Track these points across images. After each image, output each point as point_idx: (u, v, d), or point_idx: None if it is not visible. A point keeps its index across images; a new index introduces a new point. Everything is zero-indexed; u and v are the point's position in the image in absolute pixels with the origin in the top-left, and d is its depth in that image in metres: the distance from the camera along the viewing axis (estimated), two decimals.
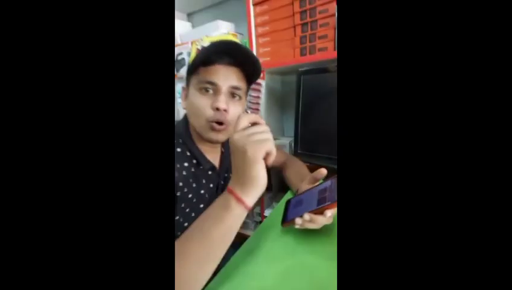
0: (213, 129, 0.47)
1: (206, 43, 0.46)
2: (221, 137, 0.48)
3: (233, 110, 0.47)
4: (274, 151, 0.33)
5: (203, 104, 0.46)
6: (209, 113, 0.46)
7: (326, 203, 0.39)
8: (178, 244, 0.31)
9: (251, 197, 0.33)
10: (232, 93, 0.47)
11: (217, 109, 0.45)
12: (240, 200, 0.32)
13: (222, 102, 0.45)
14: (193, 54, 0.48)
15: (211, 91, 0.46)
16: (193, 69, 0.46)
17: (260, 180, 0.32)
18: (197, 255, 0.31)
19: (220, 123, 0.46)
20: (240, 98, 0.48)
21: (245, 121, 0.34)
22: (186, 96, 0.51)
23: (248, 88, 0.52)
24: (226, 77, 0.45)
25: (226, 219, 0.32)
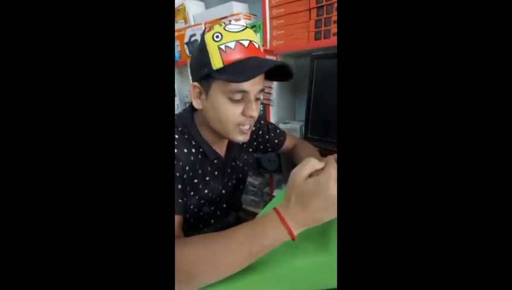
0: (241, 132, 0.50)
1: (226, 40, 0.43)
2: (247, 137, 0.52)
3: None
4: None
5: (234, 112, 0.47)
6: (241, 119, 0.48)
7: None
8: (230, 232, 0.35)
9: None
10: (257, 96, 0.49)
11: (251, 117, 0.48)
12: (292, 236, 0.32)
13: (256, 111, 0.48)
14: (215, 54, 0.43)
15: (241, 98, 0.47)
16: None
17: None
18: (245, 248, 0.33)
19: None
20: (259, 98, 0.50)
21: (334, 168, 0.32)
22: (199, 95, 0.50)
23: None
24: (256, 83, 0.46)
25: (269, 246, 0.33)
